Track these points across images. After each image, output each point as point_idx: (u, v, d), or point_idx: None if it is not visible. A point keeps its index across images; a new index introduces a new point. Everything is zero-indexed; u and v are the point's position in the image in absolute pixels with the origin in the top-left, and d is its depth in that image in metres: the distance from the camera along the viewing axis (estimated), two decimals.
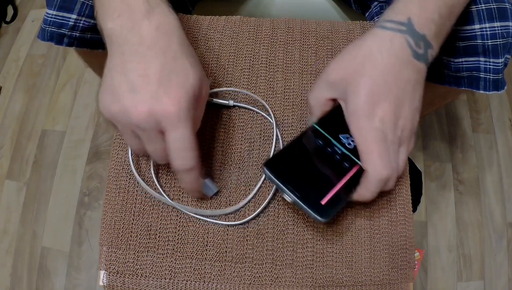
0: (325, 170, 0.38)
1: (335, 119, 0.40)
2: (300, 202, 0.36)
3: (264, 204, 0.41)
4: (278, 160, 0.38)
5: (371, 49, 0.36)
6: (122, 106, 0.33)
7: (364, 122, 0.35)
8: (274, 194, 0.42)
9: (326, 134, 0.40)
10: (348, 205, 0.41)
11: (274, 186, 0.41)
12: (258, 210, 0.41)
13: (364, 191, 0.37)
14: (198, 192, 0.40)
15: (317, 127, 0.40)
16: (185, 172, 0.35)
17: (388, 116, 0.35)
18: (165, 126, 0.33)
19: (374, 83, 0.35)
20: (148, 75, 0.33)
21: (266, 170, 0.37)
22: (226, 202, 0.42)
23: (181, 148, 0.34)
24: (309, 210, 0.36)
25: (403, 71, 0.36)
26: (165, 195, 0.41)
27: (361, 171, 0.37)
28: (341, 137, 0.40)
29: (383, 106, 0.35)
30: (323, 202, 0.36)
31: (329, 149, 0.39)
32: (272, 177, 0.37)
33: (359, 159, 0.38)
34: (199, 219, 0.41)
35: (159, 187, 0.42)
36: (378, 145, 0.35)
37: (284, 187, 0.36)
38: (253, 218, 0.41)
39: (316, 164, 0.39)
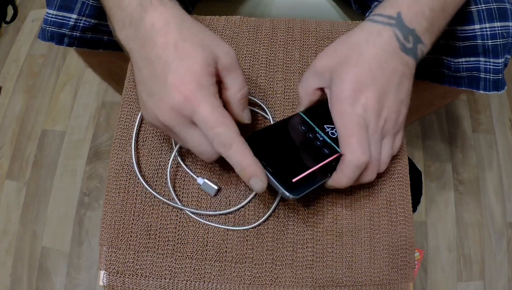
0: (303, 153, 0.38)
1: (321, 111, 0.41)
2: (271, 177, 0.36)
3: (270, 211, 0.41)
4: (258, 136, 0.39)
5: (358, 40, 0.37)
6: (151, 113, 0.34)
7: (346, 107, 0.35)
8: (280, 200, 0.42)
9: (310, 122, 0.41)
10: (348, 204, 0.41)
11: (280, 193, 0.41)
12: (265, 216, 0.41)
13: (340, 176, 0.36)
14: (255, 173, 0.35)
15: (303, 115, 0.41)
16: (227, 151, 0.34)
17: (372, 104, 0.35)
18: (188, 114, 0.33)
19: (359, 71, 0.36)
20: (157, 75, 0.33)
21: None
22: (226, 202, 0.42)
23: (210, 127, 0.33)
24: (278, 185, 0.35)
25: (389, 62, 0.36)
26: (179, 204, 0.41)
27: (339, 160, 0.37)
28: (325, 127, 0.40)
29: (367, 94, 0.35)
30: (294, 180, 0.36)
31: (310, 135, 0.40)
32: None
33: (339, 148, 0.38)
34: (199, 219, 0.41)
35: (174, 195, 0.42)
36: (358, 130, 0.35)
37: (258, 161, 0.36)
38: (259, 224, 0.41)
39: (295, 145, 0.39)
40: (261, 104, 0.46)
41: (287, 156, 0.38)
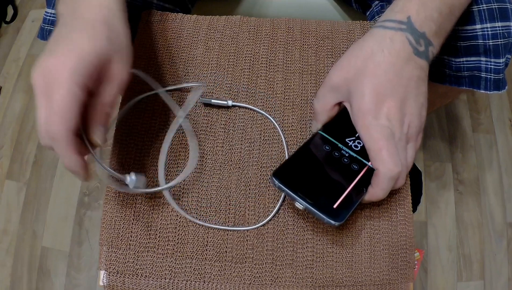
0: (334, 174, 0.38)
1: (339, 124, 0.40)
2: (313, 208, 0.36)
3: (274, 211, 0.41)
4: (286, 168, 0.38)
5: (372, 49, 0.37)
6: (35, 66, 0.33)
7: (370, 120, 0.35)
8: (283, 201, 0.42)
9: (332, 139, 0.40)
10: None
11: (283, 193, 0.41)
12: (269, 217, 0.41)
13: (376, 190, 0.36)
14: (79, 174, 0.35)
15: (323, 133, 0.40)
16: (54, 143, 0.32)
17: (394, 113, 0.35)
18: (50, 82, 0.31)
19: (377, 82, 0.36)
20: (59, 36, 0.34)
21: (275, 180, 0.37)
22: (226, 202, 0.42)
23: (54, 111, 0.31)
24: (322, 215, 0.35)
25: (405, 68, 0.36)
26: (188, 214, 0.41)
27: (370, 172, 0.37)
28: (347, 141, 0.40)
29: (388, 104, 0.35)
30: (335, 206, 0.36)
31: (336, 153, 0.39)
32: (282, 186, 0.37)
33: (367, 160, 0.38)
34: (199, 219, 0.41)
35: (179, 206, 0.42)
36: (387, 142, 0.35)
37: (294, 195, 0.36)
38: (263, 225, 0.41)
39: (324, 169, 0.38)
40: (263, 112, 0.46)
41: (320, 182, 0.38)
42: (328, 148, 0.40)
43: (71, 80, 0.31)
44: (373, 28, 0.38)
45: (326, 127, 0.41)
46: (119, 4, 0.36)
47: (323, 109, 0.40)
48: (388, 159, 0.35)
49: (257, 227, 0.41)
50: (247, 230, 0.41)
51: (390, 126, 0.35)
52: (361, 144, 0.39)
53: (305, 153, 0.39)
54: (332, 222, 0.35)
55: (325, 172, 0.38)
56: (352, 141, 0.40)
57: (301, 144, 0.41)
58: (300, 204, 0.36)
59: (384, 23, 0.37)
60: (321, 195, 0.37)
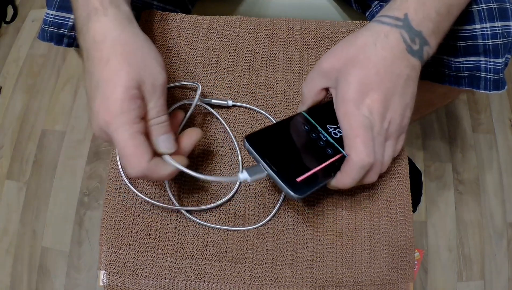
0: (306, 152, 0.38)
1: (325, 111, 0.40)
2: (276, 176, 0.35)
3: (273, 211, 0.41)
4: (261, 135, 0.38)
5: (366, 41, 0.37)
6: (92, 123, 0.35)
7: (351, 108, 0.35)
8: (283, 201, 0.42)
9: (313, 121, 0.40)
10: (348, 204, 0.41)
11: (283, 193, 0.41)
12: (268, 218, 0.41)
13: (344, 177, 0.36)
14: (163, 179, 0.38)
15: (305, 114, 0.41)
16: (135, 176, 0.35)
17: (377, 106, 0.35)
18: (110, 136, 0.34)
19: (365, 74, 0.36)
20: (91, 90, 0.35)
21: (247, 143, 0.37)
22: (226, 202, 0.42)
23: (122, 155, 0.34)
24: (283, 184, 0.35)
25: (396, 65, 0.36)
26: (176, 204, 0.41)
27: (342, 160, 0.37)
28: (328, 127, 0.40)
29: (372, 97, 0.35)
30: (299, 179, 0.36)
31: (313, 135, 0.39)
32: (251, 149, 0.37)
33: (342, 148, 0.38)
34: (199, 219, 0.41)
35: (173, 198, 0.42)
36: (364, 131, 0.35)
37: (261, 160, 0.36)
38: (262, 225, 0.41)
39: (298, 145, 0.39)
40: (263, 112, 0.46)
41: (291, 156, 0.37)
42: (307, 128, 0.40)
43: (124, 124, 0.33)
44: (370, 22, 0.38)
45: (311, 110, 0.41)
46: (118, 13, 0.37)
47: (310, 92, 0.40)
48: (361, 148, 0.35)
49: (257, 227, 0.41)
50: (247, 230, 0.41)
51: (370, 118, 0.35)
52: (341, 134, 0.39)
53: (283, 126, 0.39)
54: (292, 193, 0.35)
55: (297, 148, 0.38)
56: (332, 129, 0.40)
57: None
58: (265, 170, 0.36)
59: (381, 18, 0.38)
60: (287, 166, 0.36)
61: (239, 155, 0.44)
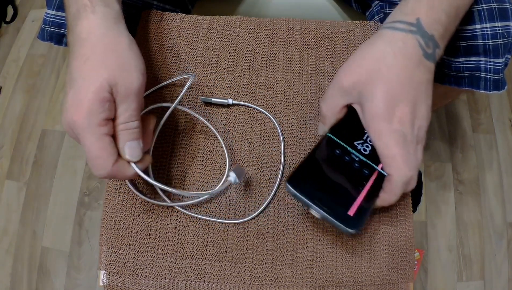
0: (347, 179, 0.38)
1: (347, 126, 0.40)
2: (329, 217, 0.35)
3: (264, 204, 0.41)
4: (299, 175, 0.37)
5: (384, 51, 0.36)
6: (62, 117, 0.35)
7: (384, 125, 0.35)
8: (274, 195, 0.42)
9: (342, 142, 0.39)
10: None
11: (275, 186, 0.41)
12: (259, 210, 0.41)
13: (389, 196, 0.36)
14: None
15: (332, 136, 0.40)
16: (101, 176, 0.34)
17: (406, 117, 0.35)
18: (77, 135, 0.34)
19: (390, 86, 0.35)
20: (67, 86, 0.35)
21: (290, 188, 0.36)
22: (226, 202, 0.42)
23: (88, 157, 0.34)
24: (339, 223, 0.35)
25: (417, 72, 0.36)
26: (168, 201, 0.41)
27: (380, 177, 0.37)
28: (356, 144, 0.40)
29: (401, 108, 0.35)
30: (351, 213, 0.36)
31: (347, 158, 0.39)
32: (298, 194, 0.36)
33: (375, 164, 0.38)
34: (199, 219, 0.41)
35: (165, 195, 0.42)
36: (401, 149, 0.35)
37: (311, 203, 0.36)
38: (253, 218, 0.41)
39: (337, 175, 0.38)
40: (263, 111, 0.46)
41: (334, 189, 0.37)
42: (338, 152, 0.39)
43: (90, 126, 0.33)
44: (382, 29, 0.38)
45: (333, 129, 0.40)
46: (107, 11, 0.37)
47: (332, 111, 0.39)
48: (402, 166, 0.35)
49: (257, 215, 0.41)
50: (247, 222, 0.41)
51: (402, 130, 0.35)
52: (369, 148, 0.39)
53: (317, 158, 0.39)
54: (350, 230, 0.35)
55: (337, 178, 0.38)
56: (360, 145, 0.39)
57: (311, 147, 0.40)
58: (316, 212, 0.36)
59: (394, 24, 0.37)
60: (336, 202, 0.36)
61: (226, 153, 0.44)
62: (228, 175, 0.37)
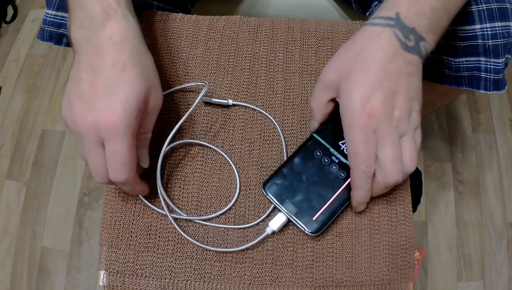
0: (321, 183, 0.40)
1: (334, 125, 0.41)
2: (294, 219, 0.39)
3: (268, 211, 0.41)
4: (276, 178, 0.40)
5: (361, 46, 0.37)
6: (73, 114, 0.34)
7: (353, 119, 0.35)
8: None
9: (325, 143, 0.41)
10: (348, 204, 0.41)
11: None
12: (263, 216, 0.41)
13: (358, 191, 0.38)
14: (137, 193, 0.41)
15: (316, 136, 0.42)
16: (119, 184, 0.37)
17: (378, 108, 0.35)
18: (104, 137, 0.34)
19: (364, 78, 0.36)
20: (95, 86, 0.34)
21: (264, 190, 0.40)
22: (226, 203, 0.42)
23: (116, 161, 0.35)
24: (300, 225, 0.39)
25: (393, 63, 0.36)
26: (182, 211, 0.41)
27: None
28: (340, 144, 0.41)
29: (373, 100, 0.35)
30: (314, 217, 0.39)
31: (326, 160, 0.41)
32: (270, 196, 0.40)
33: None
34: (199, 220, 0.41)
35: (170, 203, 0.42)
36: (364, 147, 0.35)
37: (280, 206, 0.39)
38: (257, 223, 0.41)
39: (312, 178, 0.40)
40: (263, 112, 0.46)
41: (306, 193, 0.40)
42: (319, 154, 0.41)
43: (126, 133, 0.34)
44: (364, 26, 0.38)
45: (322, 129, 0.42)
46: (135, 23, 0.38)
47: (318, 106, 0.40)
48: (361, 163, 0.36)
49: (257, 223, 0.41)
50: (246, 229, 0.41)
51: (372, 124, 0.35)
52: None
53: (296, 161, 0.41)
54: (308, 233, 0.39)
55: (312, 182, 0.40)
56: (344, 144, 0.40)
57: (297, 147, 0.42)
58: (283, 215, 0.39)
59: (373, 20, 0.38)
60: (304, 206, 0.39)
61: (237, 176, 0.43)
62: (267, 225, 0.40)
